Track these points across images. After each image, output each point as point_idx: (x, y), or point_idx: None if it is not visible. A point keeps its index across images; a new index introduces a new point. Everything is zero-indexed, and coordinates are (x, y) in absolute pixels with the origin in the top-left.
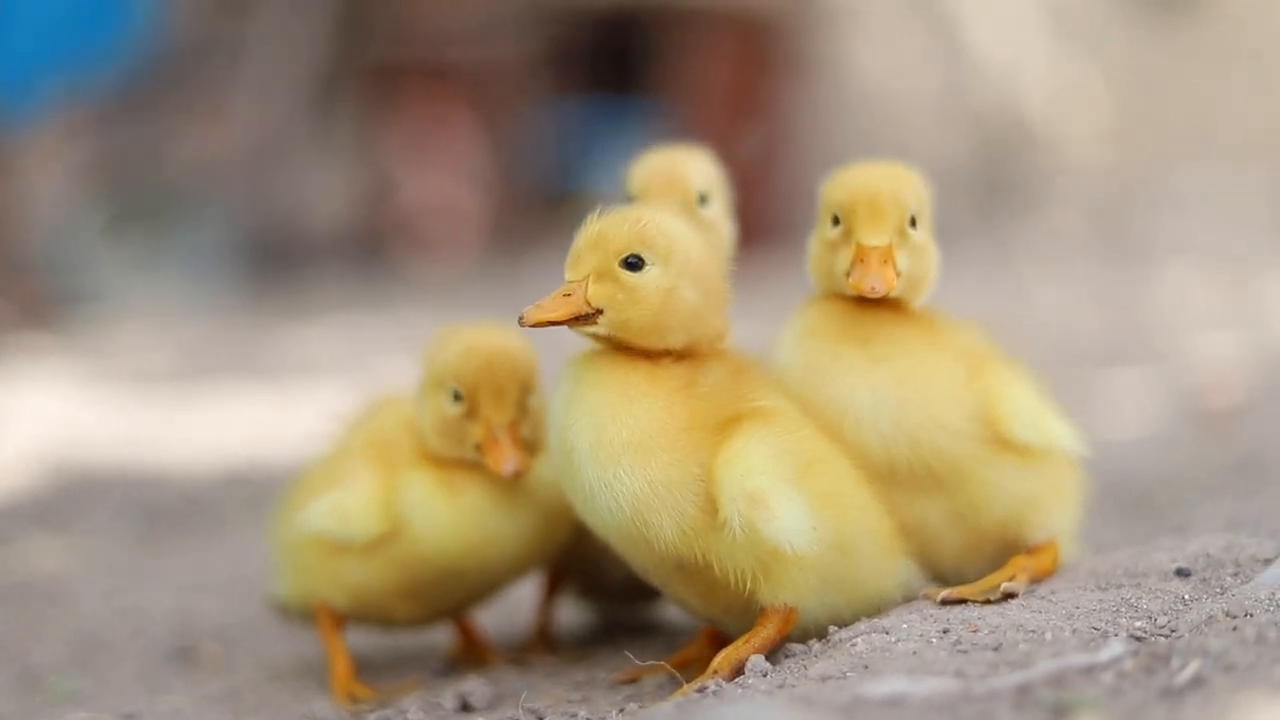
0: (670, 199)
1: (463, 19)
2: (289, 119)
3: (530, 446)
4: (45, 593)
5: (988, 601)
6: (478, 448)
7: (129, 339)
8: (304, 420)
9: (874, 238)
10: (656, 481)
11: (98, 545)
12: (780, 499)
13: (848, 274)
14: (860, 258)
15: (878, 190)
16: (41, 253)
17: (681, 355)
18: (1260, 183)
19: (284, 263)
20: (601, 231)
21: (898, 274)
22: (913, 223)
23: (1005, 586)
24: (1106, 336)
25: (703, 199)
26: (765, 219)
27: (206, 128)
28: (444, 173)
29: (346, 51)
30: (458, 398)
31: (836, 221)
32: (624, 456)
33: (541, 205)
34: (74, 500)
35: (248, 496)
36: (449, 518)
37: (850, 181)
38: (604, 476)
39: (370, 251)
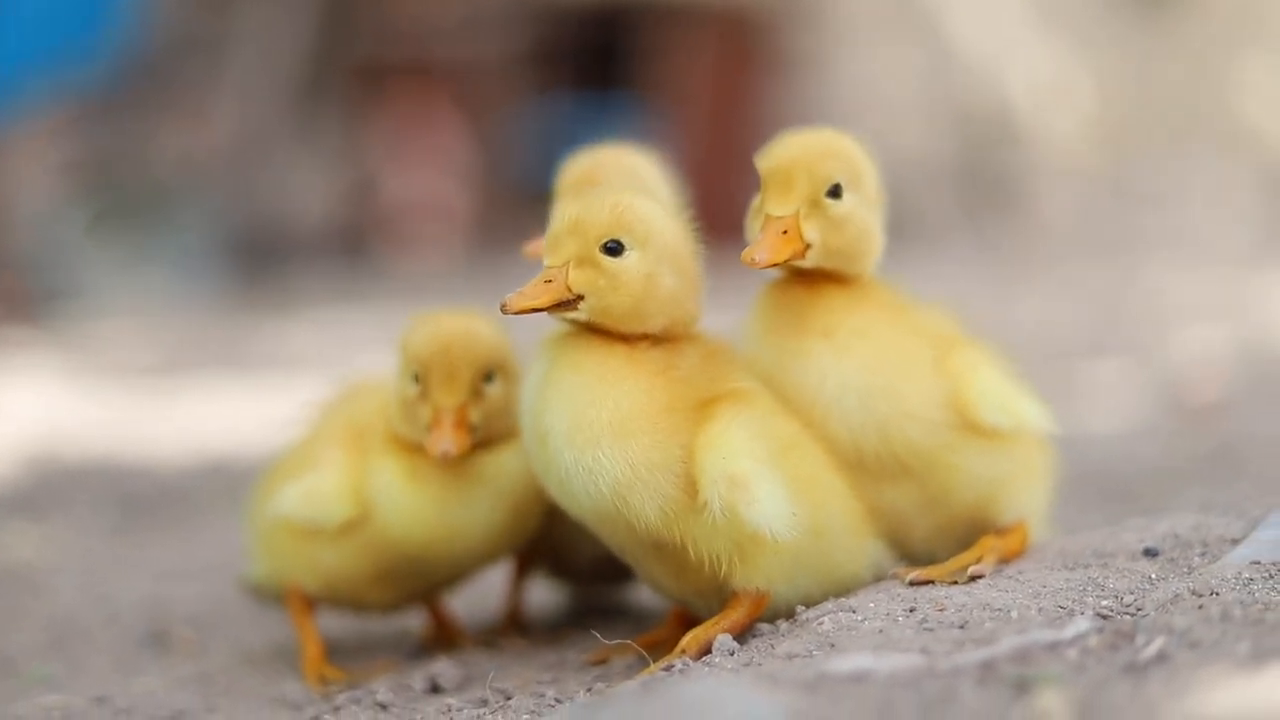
0: None
1: (447, 17)
2: (273, 117)
3: (484, 432)
4: (22, 580)
5: (954, 583)
6: (427, 429)
7: (112, 335)
8: (284, 412)
9: (776, 207)
10: (638, 463)
11: (74, 534)
12: (761, 483)
13: None
14: (762, 228)
15: (791, 159)
16: (26, 250)
17: (657, 339)
18: (1244, 178)
19: (268, 259)
20: (580, 216)
21: (806, 245)
22: (836, 192)
23: (972, 569)
24: (1090, 330)
25: None
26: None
27: (191, 126)
28: (428, 170)
29: (331, 49)
30: (417, 379)
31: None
32: (603, 439)
33: (526, 202)
34: (51, 490)
35: (225, 486)
36: (412, 503)
37: (769, 151)
38: (582, 459)
39: (354, 248)
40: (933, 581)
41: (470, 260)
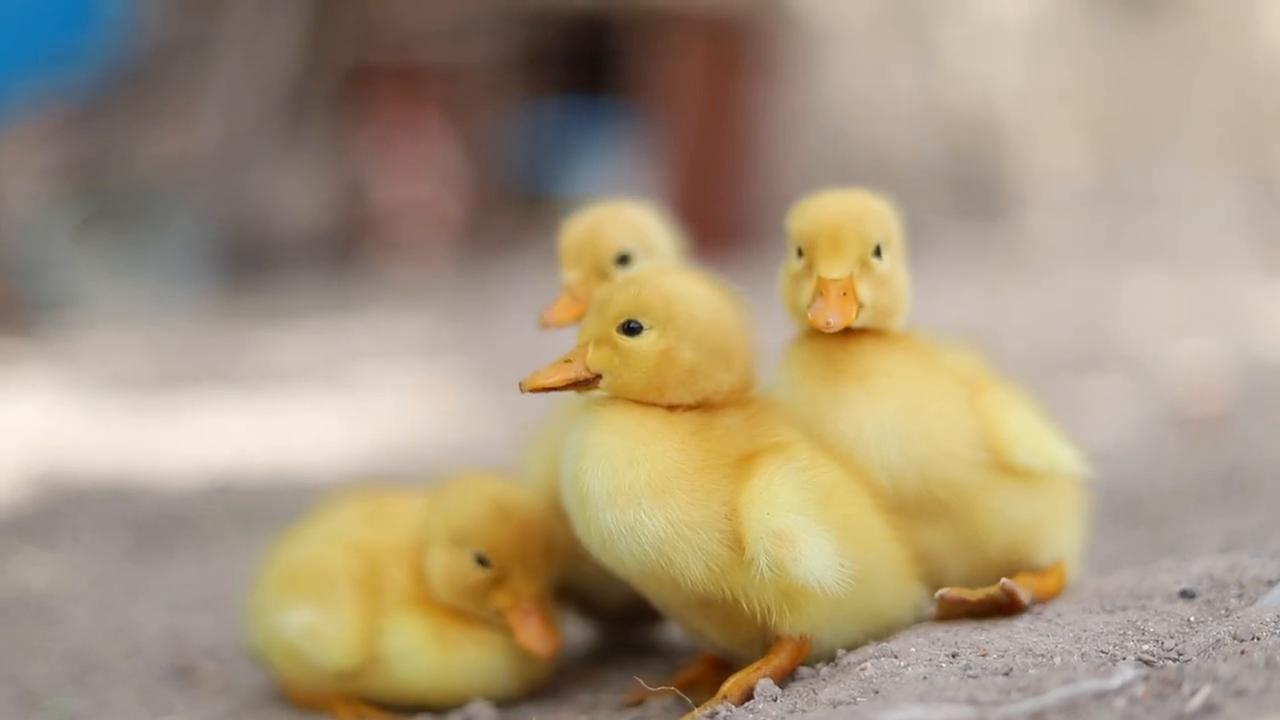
0: (583, 263)
1: (434, 21)
2: (260, 121)
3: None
4: (36, 610)
5: (989, 597)
6: (499, 613)
7: (104, 344)
8: (284, 430)
9: (834, 270)
10: (680, 522)
11: (85, 560)
12: (808, 538)
13: (809, 307)
14: (820, 291)
15: (839, 223)
16: (13, 256)
17: (695, 406)
18: (1234, 183)
19: (256, 265)
20: (605, 298)
21: (860, 306)
22: (878, 252)
23: (1006, 582)
24: (1084, 341)
25: (624, 259)
26: (739, 223)
27: (178, 130)
28: (416, 175)
29: (318, 53)
30: (482, 561)
31: (801, 253)
32: (643, 500)
33: (515, 207)
34: (58, 513)
35: (233, 510)
36: (437, 669)
37: (812, 213)
38: (624, 520)
39: (343, 254)
40: (965, 601)
41: (459, 265)
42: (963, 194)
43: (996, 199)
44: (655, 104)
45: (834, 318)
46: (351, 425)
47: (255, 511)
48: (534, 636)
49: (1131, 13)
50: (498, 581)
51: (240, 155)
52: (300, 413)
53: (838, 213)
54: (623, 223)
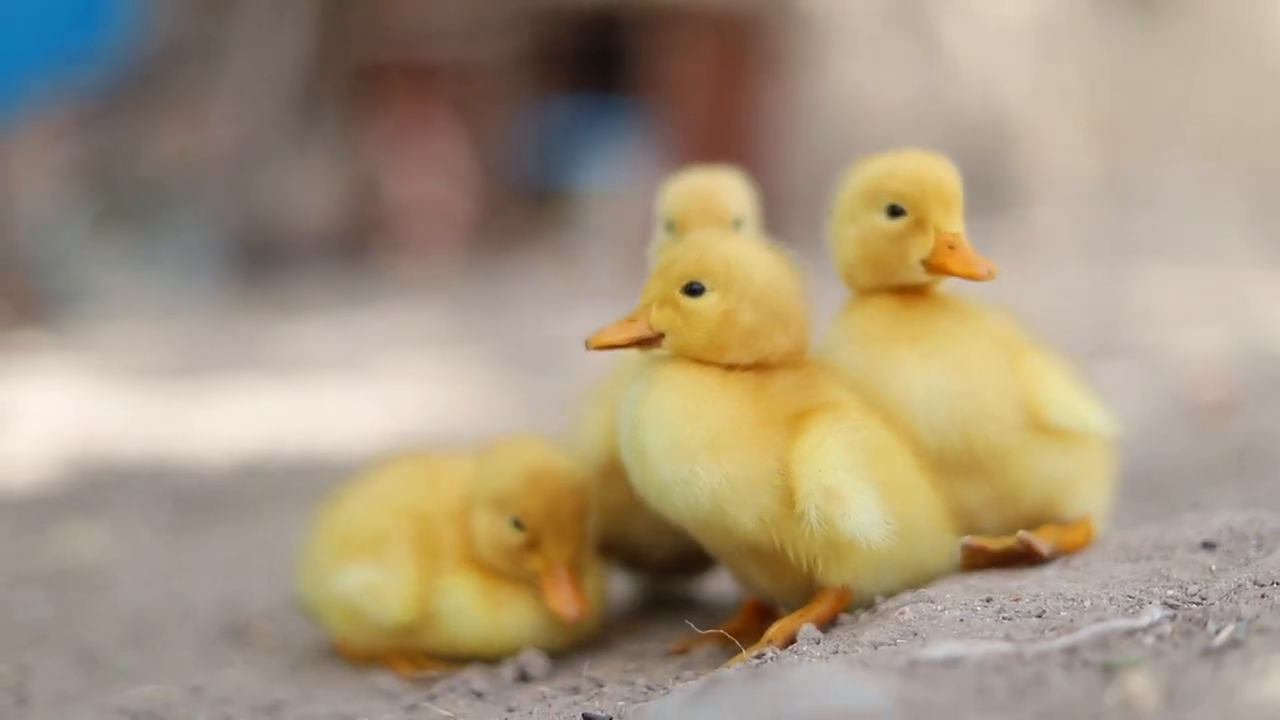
0: (707, 225)
1: (445, 18)
2: (272, 118)
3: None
4: (88, 579)
5: (1009, 550)
6: (535, 574)
7: (123, 336)
8: (311, 413)
9: (957, 224)
10: (735, 478)
11: (131, 533)
12: (856, 495)
13: (926, 261)
14: (951, 244)
15: (949, 178)
16: (28, 253)
17: (752, 367)
18: (1236, 178)
19: (268, 262)
20: (669, 260)
21: None
22: None
23: (1022, 534)
24: (1091, 331)
25: (738, 224)
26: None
27: (190, 127)
28: (427, 172)
29: (329, 51)
30: (518, 525)
31: (895, 211)
32: (699, 455)
33: (525, 203)
34: (101, 491)
35: (268, 487)
36: (487, 627)
37: (910, 171)
38: (680, 473)
39: (354, 251)
40: (986, 549)
41: (470, 262)
42: (969, 190)
43: (1002, 195)
44: (664, 101)
45: (985, 268)
46: (375, 409)
47: (290, 488)
48: (561, 600)
49: (1137, 12)
50: (532, 545)
51: (252, 153)
52: (325, 397)
53: (942, 169)
54: (733, 189)
